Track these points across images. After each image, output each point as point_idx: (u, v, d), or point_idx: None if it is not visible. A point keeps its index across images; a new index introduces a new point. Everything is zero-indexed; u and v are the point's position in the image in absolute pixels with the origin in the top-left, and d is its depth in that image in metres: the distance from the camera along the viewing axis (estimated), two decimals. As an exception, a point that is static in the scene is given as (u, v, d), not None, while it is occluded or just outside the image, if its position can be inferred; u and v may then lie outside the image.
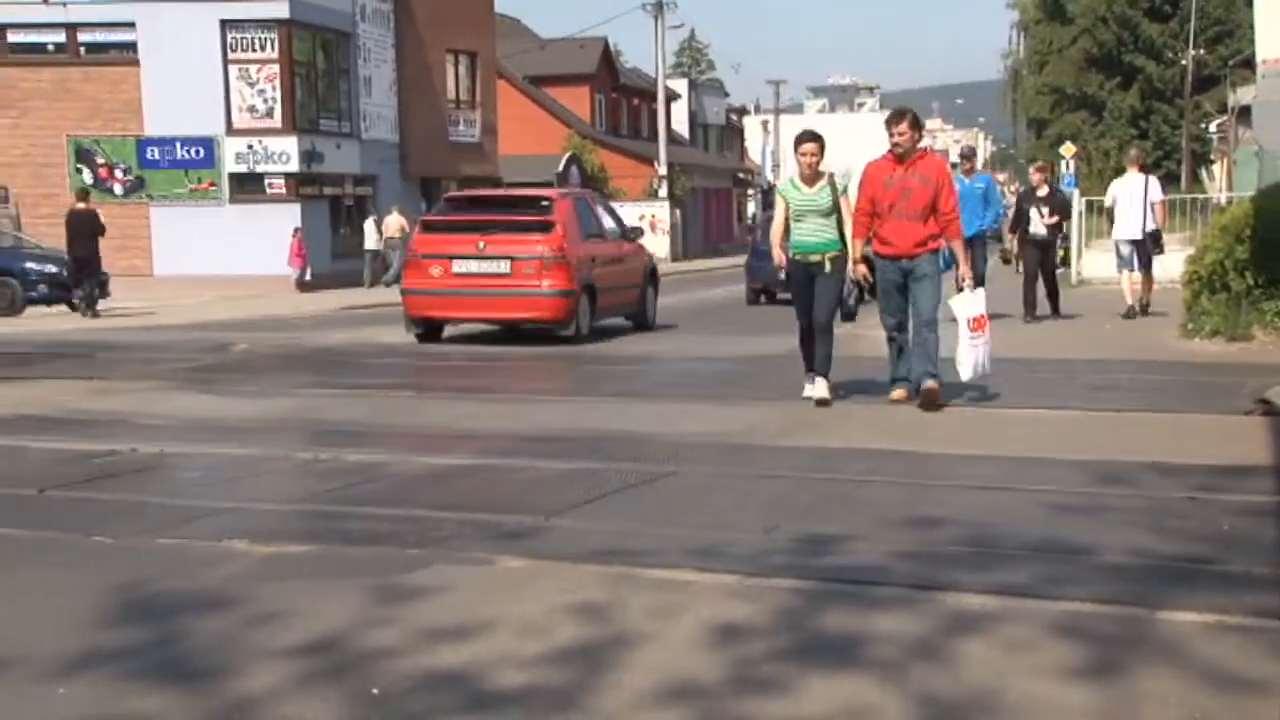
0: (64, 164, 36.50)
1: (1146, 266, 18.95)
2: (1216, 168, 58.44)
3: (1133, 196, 18.67)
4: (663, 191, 56.42)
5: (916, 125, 10.54)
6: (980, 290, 10.99)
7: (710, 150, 74.79)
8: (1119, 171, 23.76)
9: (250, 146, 35.76)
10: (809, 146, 10.74)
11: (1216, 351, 14.65)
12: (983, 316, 10.63)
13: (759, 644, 4.86)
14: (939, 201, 10.43)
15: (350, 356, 17.32)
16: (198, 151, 36.00)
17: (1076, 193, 30.60)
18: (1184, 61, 66.86)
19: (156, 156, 36.29)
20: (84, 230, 25.92)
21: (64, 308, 26.88)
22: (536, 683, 4.54)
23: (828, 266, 10.74)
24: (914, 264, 10.46)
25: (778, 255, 10.99)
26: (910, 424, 10.08)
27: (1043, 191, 19.47)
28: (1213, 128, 61.97)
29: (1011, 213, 20.99)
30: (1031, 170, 21.71)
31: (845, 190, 10.91)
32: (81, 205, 26.71)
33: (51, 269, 27.68)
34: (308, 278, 34.02)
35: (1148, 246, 18.73)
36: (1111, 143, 70.89)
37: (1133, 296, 18.73)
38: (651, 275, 21.45)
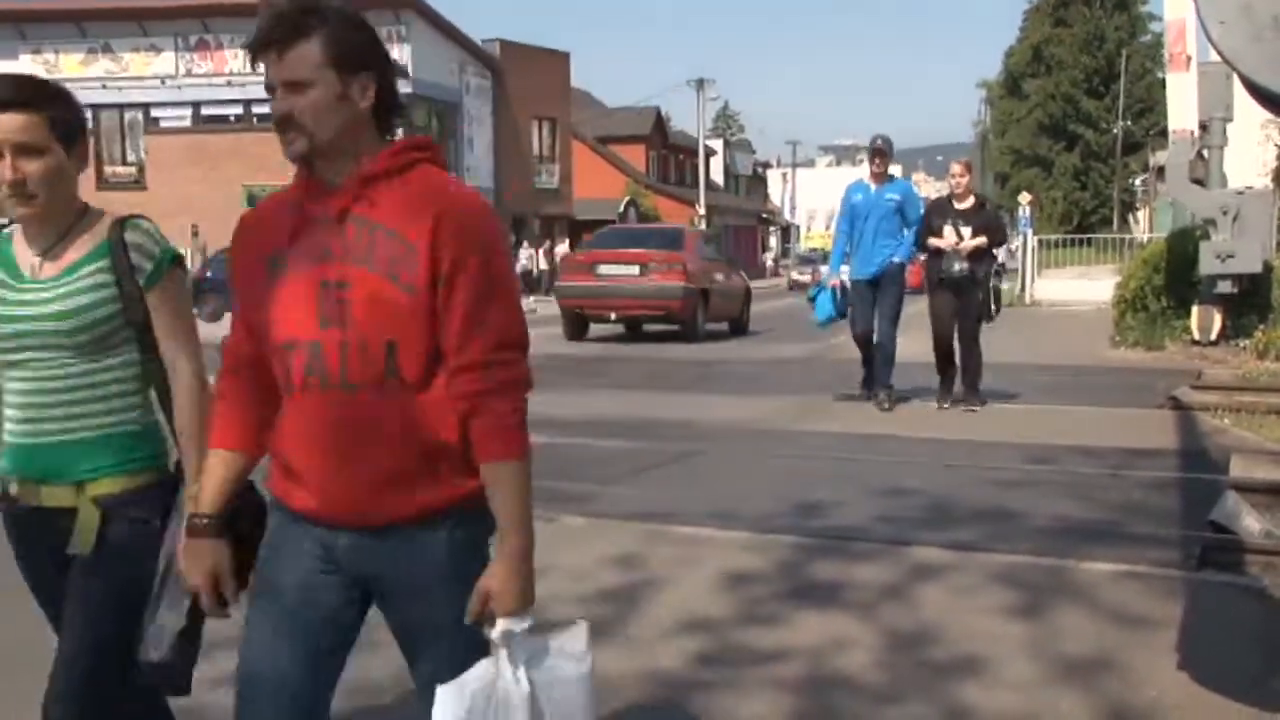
0: (239, 207, 36.92)
1: None
2: (1141, 214, 57.72)
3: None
4: (702, 226, 56.37)
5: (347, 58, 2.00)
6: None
7: (740, 195, 74.45)
8: (1067, 217, 23.78)
9: (381, 192, 36.13)
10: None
11: (1137, 358, 14.58)
12: None
13: (763, 587, 4.84)
14: (446, 332, 1.98)
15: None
16: (341, 196, 36.38)
17: (1030, 232, 29.73)
18: (1115, 130, 66.52)
19: (310, 201, 36.71)
20: None
21: None
22: (585, 615, 4.52)
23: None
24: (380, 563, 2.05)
25: None
26: (893, 415, 9.97)
27: (964, 204, 10.06)
28: (1137, 182, 61.36)
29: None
30: (953, 167, 10.55)
31: None
32: None
33: None
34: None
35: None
36: (1059, 193, 70.66)
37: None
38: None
